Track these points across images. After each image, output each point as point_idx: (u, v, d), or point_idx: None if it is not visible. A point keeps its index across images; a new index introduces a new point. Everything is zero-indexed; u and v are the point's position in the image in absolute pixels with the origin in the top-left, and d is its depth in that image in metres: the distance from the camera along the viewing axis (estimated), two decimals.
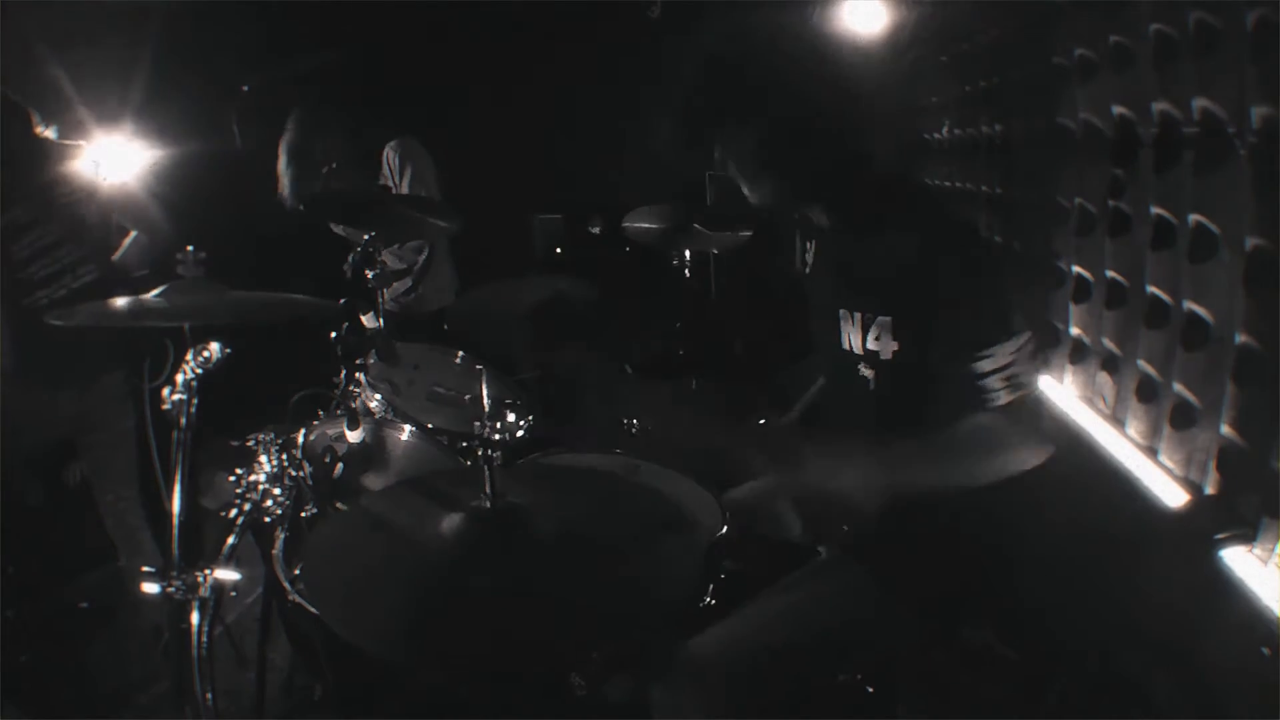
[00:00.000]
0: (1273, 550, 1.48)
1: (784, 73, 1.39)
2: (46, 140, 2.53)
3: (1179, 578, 1.68)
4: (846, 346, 1.55)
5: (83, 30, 3.29)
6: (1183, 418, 1.73)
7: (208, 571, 1.61)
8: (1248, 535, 1.53)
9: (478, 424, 1.52)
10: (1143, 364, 1.86)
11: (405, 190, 3.06)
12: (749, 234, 3.07)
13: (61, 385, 2.52)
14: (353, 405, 2.10)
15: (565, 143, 4.34)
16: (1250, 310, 1.53)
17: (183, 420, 1.60)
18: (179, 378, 1.61)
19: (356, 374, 2.20)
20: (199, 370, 1.61)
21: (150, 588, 1.58)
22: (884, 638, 1.56)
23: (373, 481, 2.01)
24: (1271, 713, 1.40)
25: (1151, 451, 1.83)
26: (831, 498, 1.34)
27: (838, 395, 1.71)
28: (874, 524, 1.35)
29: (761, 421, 1.87)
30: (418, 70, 3.97)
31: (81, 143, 2.62)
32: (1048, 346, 2.29)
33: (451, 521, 1.33)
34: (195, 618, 1.60)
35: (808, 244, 1.73)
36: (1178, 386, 1.73)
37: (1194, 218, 1.66)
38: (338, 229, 2.97)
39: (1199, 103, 1.61)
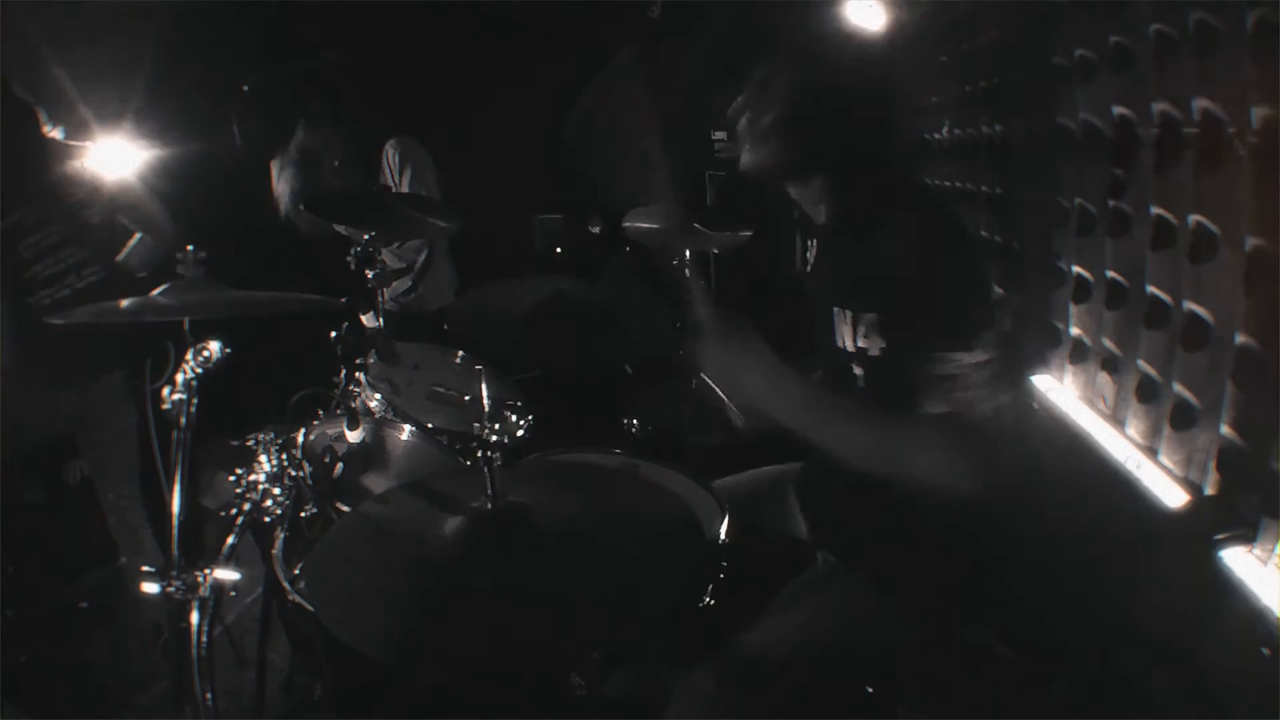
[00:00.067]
0: (1273, 550, 1.48)
1: (829, 44, 1.44)
2: (53, 140, 2.54)
3: (1179, 578, 1.68)
4: (840, 345, 1.56)
5: (83, 30, 3.29)
6: (1183, 418, 1.73)
7: (208, 571, 1.61)
8: (1248, 535, 1.53)
9: (477, 424, 1.52)
10: (1143, 364, 1.86)
11: (405, 190, 3.06)
12: (749, 234, 3.07)
13: (62, 384, 2.52)
14: (353, 405, 2.10)
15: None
16: (1250, 310, 1.52)
17: (183, 420, 1.61)
18: (179, 377, 1.62)
19: (356, 374, 2.20)
20: (199, 370, 1.61)
21: (150, 587, 1.59)
22: (884, 639, 1.56)
23: (373, 481, 2.01)
24: (1271, 713, 1.41)
25: (1151, 451, 1.83)
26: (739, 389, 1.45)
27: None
28: (872, 524, 1.36)
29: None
30: (418, 70, 3.97)
31: (87, 143, 2.62)
32: (1048, 346, 2.29)
33: (452, 522, 1.33)
34: (195, 617, 1.61)
35: (808, 243, 1.73)
36: (1178, 387, 1.73)
37: (1194, 218, 1.65)
38: (339, 228, 2.98)
39: (1199, 103, 1.61)
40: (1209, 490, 1.65)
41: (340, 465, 1.91)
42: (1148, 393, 1.86)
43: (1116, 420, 1.98)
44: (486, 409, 1.76)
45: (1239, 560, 1.53)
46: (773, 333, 1.47)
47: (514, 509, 1.34)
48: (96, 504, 2.68)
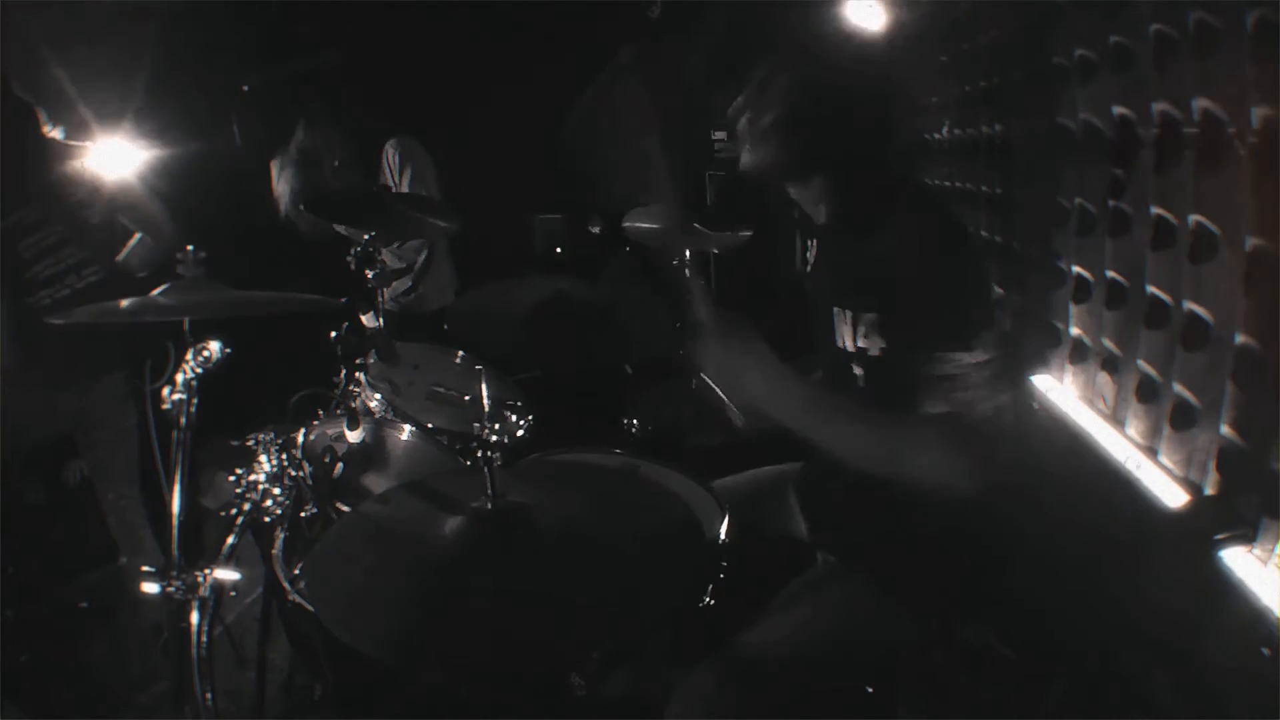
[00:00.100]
0: (1273, 550, 1.48)
1: (829, 44, 1.44)
2: (53, 140, 2.54)
3: (1179, 578, 1.68)
4: (840, 345, 1.56)
5: (83, 30, 3.29)
6: (1183, 418, 1.73)
7: (208, 571, 1.61)
8: (1248, 535, 1.53)
9: (477, 424, 1.52)
10: (1143, 364, 1.86)
11: (405, 190, 3.06)
12: (749, 234, 3.07)
13: (62, 384, 2.52)
14: (353, 405, 2.10)
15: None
16: (1250, 310, 1.52)
17: (183, 420, 1.61)
18: (179, 377, 1.62)
19: (356, 374, 2.20)
20: (199, 370, 1.61)
21: (150, 587, 1.59)
22: (884, 639, 1.56)
23: (373, 481, 2.01)
24: (1271, 713, 1.40)
25: (1151, 451, 1.83)
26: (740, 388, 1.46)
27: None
28: (872, 524, 1.36)
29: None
30: (418, 70, 3.97)
31: (87, 143, 2.62)
32: (1048, 346, 2.29)
33: (452, 522, 1.33)
34: (195, 617, 1.60)
35: (808, 243, 1.73)
36: (1178, 387, 1.73)
37: (1194, 218, 1.65)
38: (339, 228, 2.98)
39: (1199, 103, 1.61)
40: (1209, 490, 1.65)
41: (340, 465, 1.91)
42: (1148, 393, 1.86)
43: (1116, 420, 1.98)
44: (486, 409, 1.76)
45: (1239, 560, 1.53)
46: (773, 333, 1.47)
47: (514, 509, 1.34)
48: (96, 504, 2.68)
